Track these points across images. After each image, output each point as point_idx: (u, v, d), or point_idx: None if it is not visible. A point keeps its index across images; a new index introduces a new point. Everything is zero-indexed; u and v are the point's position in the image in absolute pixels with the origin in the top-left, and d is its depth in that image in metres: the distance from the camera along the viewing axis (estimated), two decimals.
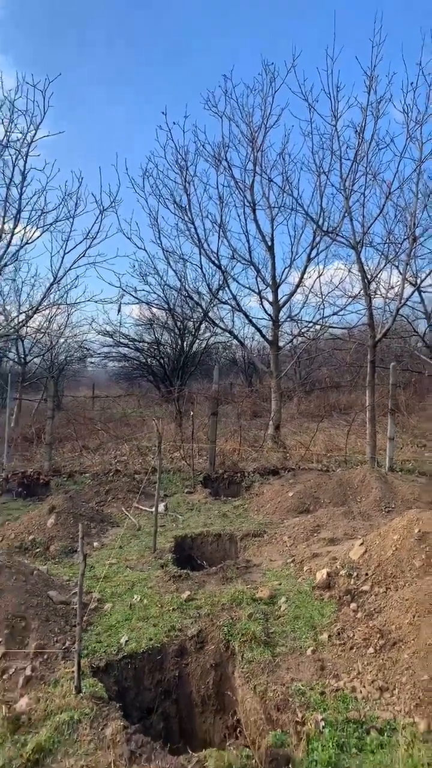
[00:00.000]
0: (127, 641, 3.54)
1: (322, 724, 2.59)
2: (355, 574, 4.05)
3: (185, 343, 16.91)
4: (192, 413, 8.51)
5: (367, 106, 9.16)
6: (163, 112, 11.33)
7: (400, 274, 10.88)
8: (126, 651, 3.44)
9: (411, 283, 11.55)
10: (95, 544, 5.66)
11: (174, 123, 11.24)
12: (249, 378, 23.84)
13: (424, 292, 14.04)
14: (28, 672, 3.15)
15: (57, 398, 13.75)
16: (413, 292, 11.89)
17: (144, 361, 19.00)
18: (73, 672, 3.15)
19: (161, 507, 6.96)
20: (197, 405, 14.08)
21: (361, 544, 4.36)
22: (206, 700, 3.40)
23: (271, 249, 11.94)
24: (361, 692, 2.86)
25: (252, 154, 11.36)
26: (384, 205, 9.69)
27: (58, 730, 2.64)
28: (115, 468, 8.80)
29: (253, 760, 2.39)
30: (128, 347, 17.66)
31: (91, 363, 18.71)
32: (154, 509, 6.88)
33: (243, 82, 13.70)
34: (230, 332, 12.73)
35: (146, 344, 17.71)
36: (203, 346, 17.98)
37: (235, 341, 19.64)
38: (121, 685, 3.33)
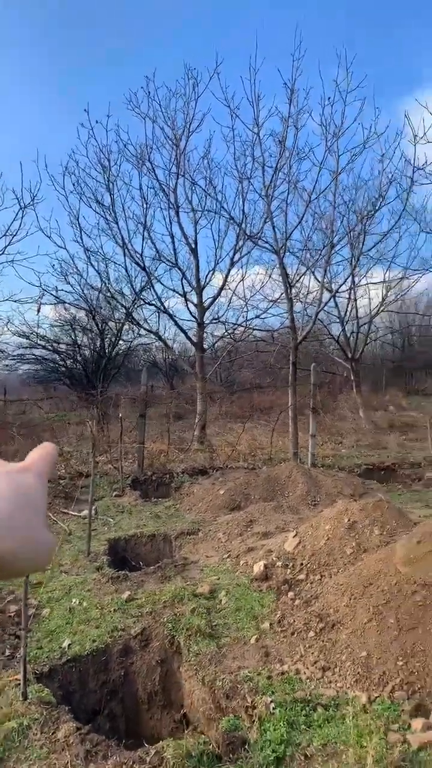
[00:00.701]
0: (69, 645, 3.49)
1: (272, 705, 2.72)
2: (291, 564, 4.24)
3: (106, 344, 16.64)
4: (121, 415, 8.42)
5: (288, 117, 9.57)
6: (85, 110, 11.11)
7: (318, 281, 11.46)
8: (69, 654, 3.40)
9: (327, 289, 12.14)
10: None
11: (97, 121, 11.09)
12: (170, 380, 23.88)
13: (338, 297, 14.84)
14: None
15: None
16: (330, 298, 12.51)
17: (62, 363, 18.46)
18: (16, 680, 3.07)
19: (86, 512, 6.84)
20: (121, 408, 13.91)
21: (295, 535, 4.57)
22: (152, 696, 3.43)
23: (194, 252, 12.10)
24: (305, 673, 3.02)
25: (175, 157, 11.47)
26: (304, 213, 10.15)
27: (7, 737, 2.57)
28: None
29: (210, 746, 2.46)
30: (46, 349, 17.08)
31: (6, 366, 17.86)
32: (83, 513, 6.76)
33: (165, 85, 13.68)
34: (155, 333, 12.73)
35: (65, 346, 17.23)
36: (126, 348, 17.78)
37: (155, 344, 19.64)
38: (66, 689, 3.28)
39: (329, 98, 9.58)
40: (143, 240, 11.81)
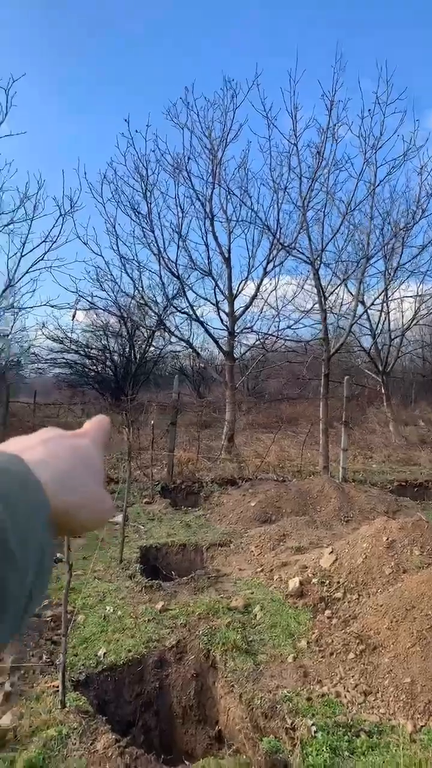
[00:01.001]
0: (105, 653, 3.48)
1: (314, 729, 2.66)
2: (327, 582, 4.17)
3: (137, 351, 16.78)
4: (153, 422, 8.45)
5: (327, 129, 9.54)
6: (125, 120, 11.29)
7: (351, 294, 11.36)
8: (105, 663, 3.39)
9: (361, 302, 12.03)
10: (58, 554, 5.51)
11: (136, 131, 11.26)
12: (197, 388, 23.93)
13: (370, 309, 14.69)
14: (7, 688, 3.03)
15: (7, 405, 13.29)
16: (364, 312, 12.39)
17: (93, 368, 18.68)
18: (53, 686, 3.08)
19: (120, 517, 6.87)
20: (149, 414, 13.98)
21: (331, 552, 4.49)
22: (187, 710, 3.39)
23: (228, 261, 12.12)
24: (345, 696, 2.95)
25: (211, 167, 11.54)
26: (341, 225, 10.08)
27: (47, 746, 2.57)
28: None
29: (252, 767, 2.41)
30: (78, 353, 17.31)
31: (40, 369, 18.16)
32: (114, 519, 6.78)
33: (204, 96, 13.83)
34: (186, 341, 12.76)
35: (97, 351, 17.42)
36: (156, 355, 17.90)
37: (184, 351, 19.72)
38: (101, 698, 3.27)
39: (369, 110, 9.54)
40: (178, 249, 11.90)
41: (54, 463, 0.47)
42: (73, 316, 12.81)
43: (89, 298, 12.89)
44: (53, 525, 0.44)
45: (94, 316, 17.66)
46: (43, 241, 11.40)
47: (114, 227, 12.03)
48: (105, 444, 0.56)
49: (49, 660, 3.36)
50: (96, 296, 13.56)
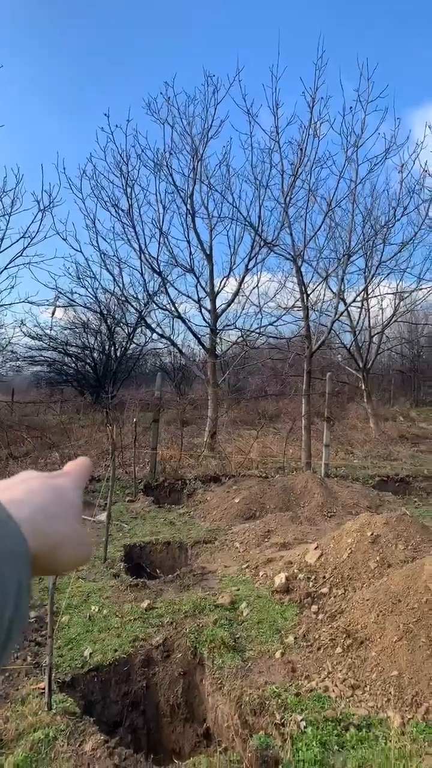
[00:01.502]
0: (91, 654, 3.43)
1: (303, 724, 2.66)
2: (313, 577, 4.18)
3: (117, 348, 16.65)
4: (135, 420, 8.38)
5: (310, 126, 9.56)
6: (105, 114, 11.16)
7: (332, 291, 11.43)
8: (91, 664, 3.34)
9: (342, 299, 12.10)
10: None
11: (116, 126, 11.14)
12: (178, 385, 23.87)
13: (350, 307, 14.79)
14: None
15: None
16: (345, 309, 12.47)
17: (74, 365, 18.48)
18: (39, 688, 3.03)
19: (104, 516, 6.81)
20: (131, 411, 13.89)
21: (316, 548, 4.51)
22: (175, 709, 3.37)
23: (209, 257, 12.09)
24: (334, 691, 2.96)
25: (193, 163, 11.48)
26: (323, 222, 10.13)
27: (34, 749, 2.52)
28: None
29: (243, 764, 2.40)
30: (57, 351, 17.10)
31: (18, 367, 17.90)
32: (96, 518, 6.72)
33: (184, 91, 13.77)
34: (168, 338, 12.70)
35: (77, 349, 17.24)
36: (137, 352, 17.78)
37: (165, 348, 19.64)
38: (88, 699, 3.22)
39: (350, 107, 9.59)
40: (159, 245, 11.83)
41: (33, 501, 0.48)
42: (53, 313, 12.66)
43: (69, 295, 12.74)
44: (31, 562, 0.44)
45: (74, 313, 17.50)
46: (22, 237, 11.24)
47: (94, 223, 11.92)
48: (84, 484, 0.58)
49: (34, 662, 3.31)
50: (76, 293, 13.42)
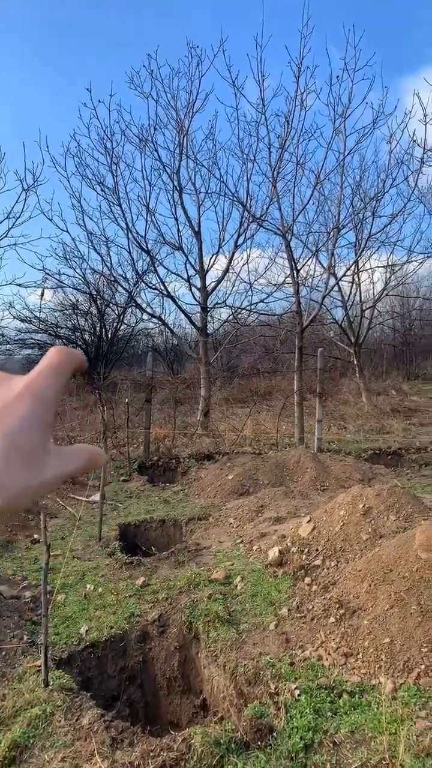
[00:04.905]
0: (87, 631, 3.46)
1: (297, 692, 2.70)
2: (306, 550, 4.21)
3: (108, 330, 16.53)
4: (128, 400, 8.36)
5: (296, 96, 9.36)
6: (87, 89, 10.85)
7: (322, 266, 11.34)
8: (88, 641, 3.38)
9: (333, 274, 12.02)
10: (35, 536, 5.45)
11: (99, 101, 10.84)
12: (171, 365, 23.80)
13: (341, 281, 14.70)
14: None
15: None
16: (336, 283, 12.39)
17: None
18: (36, 666, 3.05)
19: (98, 496, 6.83)
20: (124, 392, 13.87)
21: (309, 521, 4.54)
22: (171, 682, 3.42)
23: (198, 234, 11.92)
24: (327, 660, 3.00)
25: (178, 138, 11.25)
26: (311, 195, 9.99)
27: (31, 725, 2.55)
28: None
29: (237, 733, 2.44)
30: (47, 333, 16.96)
31: (8, 351, 17.77)
32: (91, 498, 6.74)
33: (168, 64, 13.42)
34: (158, 318, 12.60)
35: (67, 330, 17.10)
36: (128, 332, 17.67)
37: (157, 328, 19.53)
38: (85, 675, 3.26)
39: (337, 77, 9.38)
40: (146, 223, 11.68)
41: None
42: (41, 296, 12.49)
43: (57, 276, 12.57)
44: None
45: (63, 294, 17.33)
46: (6, 218, 11.03)
47: (80, 202, 11.66)
48: (59, 388, 0.44)
49: (30, 640, 3.33)
50: (64, 274, 13.24)
